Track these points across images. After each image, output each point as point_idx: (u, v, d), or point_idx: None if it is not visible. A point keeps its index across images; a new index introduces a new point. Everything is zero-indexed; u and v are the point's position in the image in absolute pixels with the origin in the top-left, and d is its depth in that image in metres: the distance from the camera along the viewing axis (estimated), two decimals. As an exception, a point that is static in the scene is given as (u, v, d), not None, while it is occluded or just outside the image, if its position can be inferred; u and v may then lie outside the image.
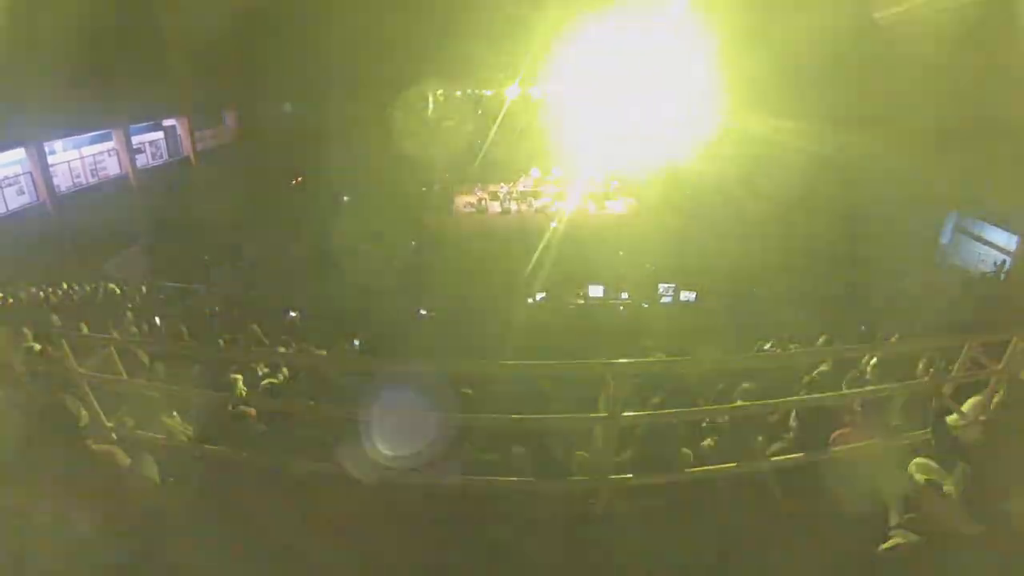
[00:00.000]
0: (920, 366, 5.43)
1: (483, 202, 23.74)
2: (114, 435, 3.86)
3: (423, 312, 11.14)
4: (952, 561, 2.85)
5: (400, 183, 23.40)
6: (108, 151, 18.22)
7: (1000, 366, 3.93)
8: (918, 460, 3.27)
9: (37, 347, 5.01)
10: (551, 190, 23.92)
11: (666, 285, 14.13)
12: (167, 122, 21.07)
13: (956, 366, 4.26)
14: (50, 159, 15.58)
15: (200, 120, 22.57)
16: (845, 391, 4.56)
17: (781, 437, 4.04)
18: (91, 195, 17.09)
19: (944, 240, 18.25)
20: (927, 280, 14.53)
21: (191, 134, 21.38)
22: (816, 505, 3.46)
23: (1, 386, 4.46)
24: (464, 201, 24.53)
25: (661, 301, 13.52)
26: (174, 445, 3.87)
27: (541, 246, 17.42)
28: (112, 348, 4.30)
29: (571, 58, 20.60)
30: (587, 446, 3.80)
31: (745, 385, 4.67)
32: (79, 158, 17.16)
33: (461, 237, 19.30)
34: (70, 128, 16.45)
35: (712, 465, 3.58)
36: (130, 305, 10.45)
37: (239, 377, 4.73)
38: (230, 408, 4.18)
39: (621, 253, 17.40)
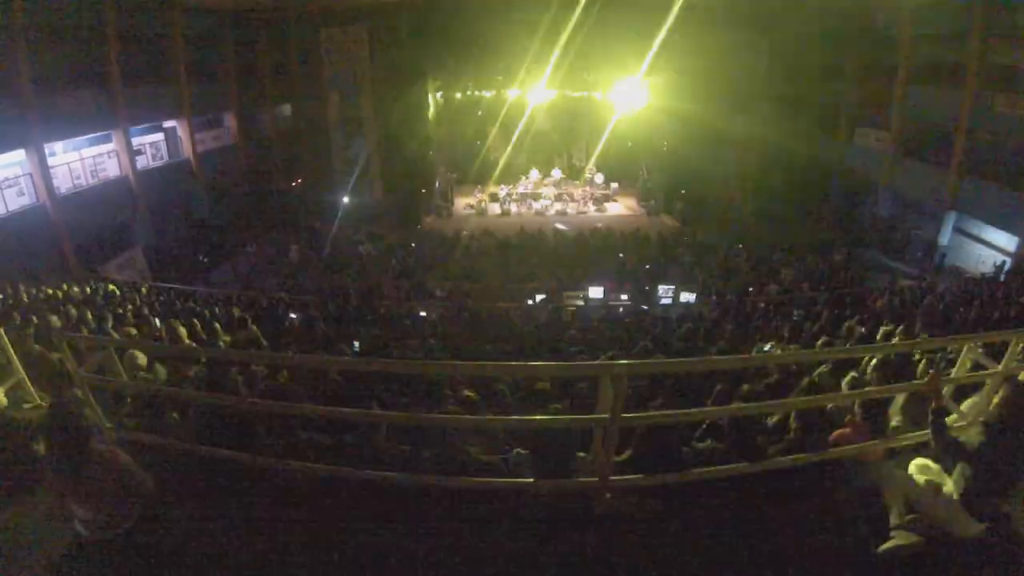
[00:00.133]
0: (920, 366, 5.44)
1: (483, 203, 23.79)
2: (115, 435, 3.87)
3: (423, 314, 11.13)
4: (952, 562, 2.85)
5: (400, 183, 23.47)
6: (108, 153, 18.23)
7: (1000, 366, 3.93)
8: (918, 461, 3.26)
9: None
10: (550, 191, 23.99)
11: (665, 287, 14.14)
12: (167, 123, 21.08)
13: (956, 367, 4.26)
14: (50, 160, 15.58)
15: (200, 121, 22.60)
16: (845, 392, 4.55)
17: (781, 438, 4.04)
18: (91, 196, 17.08)
19: (943, 241, 18.30)
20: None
21: (191, 135, 21.39)
22: (816, 506, 3.46)
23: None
24: (464, 202, 24.59)
25: (660, 303, 13.53)
26: (175, 445, 3.86)
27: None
28: (112, 349, 4.30)
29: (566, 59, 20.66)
30: (587, 446, 3.80)
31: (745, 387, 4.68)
32: (79, 159, 17.17)
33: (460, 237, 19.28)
34: (70, 129, 16.46)
35: (712, 466, 3.58)
36: (130, 306, 10.45)
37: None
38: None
39: (621, 255, 17.44)
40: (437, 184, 23.83)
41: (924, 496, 3.01)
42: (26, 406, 4.29)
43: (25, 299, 10.29)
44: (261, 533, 3.29)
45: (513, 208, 23.58)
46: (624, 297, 13.95)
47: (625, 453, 3.65)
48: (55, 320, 8.49)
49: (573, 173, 26.17)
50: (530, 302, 13.43)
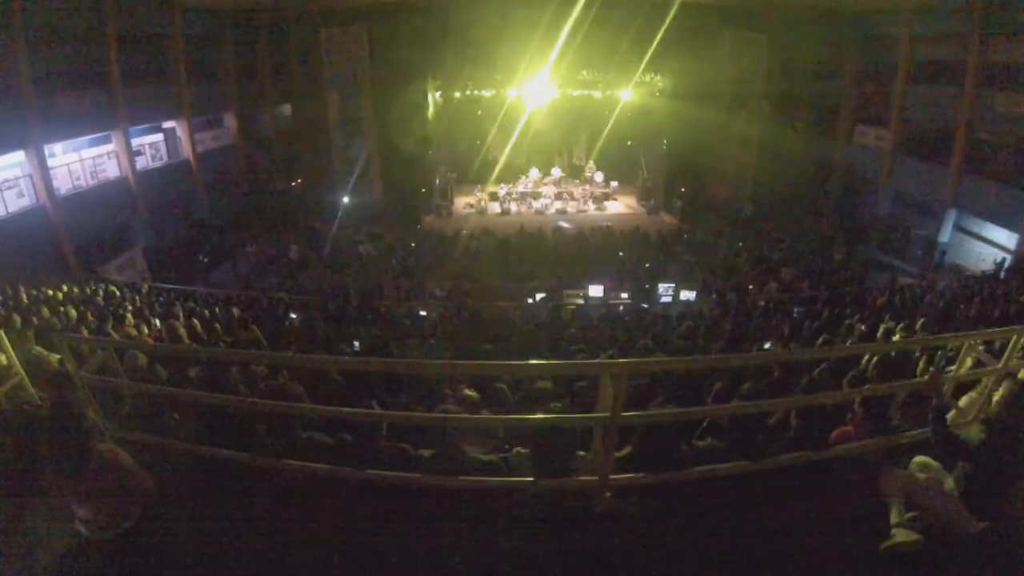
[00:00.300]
0: (920, 364, 5.44)
1: (483, 202, 23.79)
2: (115, 435, 3.87)
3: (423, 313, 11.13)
4: (953, 559, 2.85)
5: (400, 183, 23.47)
6: (108, 153, 18.22)
7: (1001, 364, 3.93)
8: (918, 458, 3.27)
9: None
10: (550, 190, 23.99)
11: (665, 285, 14.13)
12: (167, 124, 21.08)
13: (956, 365, 4.26)
14: (50, 162, 15.58)
15: (200, 122, 22.59)
16: (846, 390, 4.55)
17: (782, 436, 4.04)
18: (91, 197, 17.09)
19: (944, 239, 18.30)
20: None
21: (191, 136, 21.38)
22: (816, 504, 3.46)
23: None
24: (464, 201, 24.58)
25: (660, 301, 13.52)
26: (175, 445, 3.87)
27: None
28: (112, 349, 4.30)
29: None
30: (587, 445, 3.80)
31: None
32: (79, 160, 17.17)
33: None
34: (70, 130, 16.46)
35: (712, 464, 3.58)
36: (130, 307, 10.46)
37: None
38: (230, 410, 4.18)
39: (621, 253, 17.44)
40: (437, 183, 23.82)
41: (925, 494, 3.01)
42: (27, 407, 4.29)
43: (25, 300, 10.29)
44: (261, 533, 3.29)
45: (513, 207, 23.57)
46: (624, 296, 13.95)
47: (625, 449, 3.66)
48: (55, 321, 8.50)
49: (573, 172, 26.16)
50: (530, 301, 13.42)
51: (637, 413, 3.67)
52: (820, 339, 7.33)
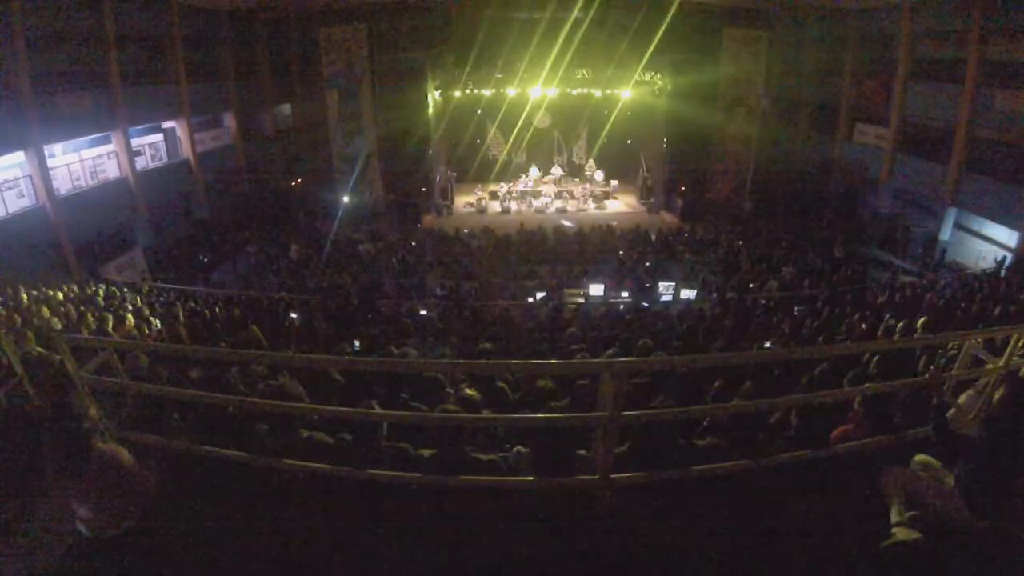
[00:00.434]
0: (921, 363, 5.44)
1: (483, 201, 23.80)
2: (115, 435, 3.87)
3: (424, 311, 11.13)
4: (954, 558, 2.85)
5: (400, 182, 23.48)
6: (108, 154, 18.22)
7: (1001, 362, 3.92)
8: (919, 456, 3.27)
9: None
10: (550, 189, 24.00)
11: (666, 284, 14.14)
12: (167, 124, 21.07)
13: (957, 364, 4.26)
14: (50, 162, 15.58)
15: (200, 122, 22.59)
16: (846, 389, 4.55)
17: (782, 435, 4.04)
18: (91, 197, 17.09)
19: (944, 237, 18.29)
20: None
21: (191, 136, 21.38)
22: (817, 503, 3.46)
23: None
24: (464, 200, 24.59)
25: (661, 300, 13.52)
26: (176, 445, 3.87)
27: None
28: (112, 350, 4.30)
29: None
30: (588, 445, 3.80)
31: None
32: (79, 161, 17.17)
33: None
34: (70, 131, 16.46)
35: (713, 464, 3.57)
36: (131, 307, 10.46)
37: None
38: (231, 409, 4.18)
39: (621, 252, 17.44)
40: (437, 182, 23.83)
41: (925, 492, 3.01)
42: (27, 407, 4.29)
43: (25, 300, 10.30)
44: (261, 533, 3.29)
45: (513, 206, 23.59)
46: (624, 294, 13.95)
47: (624, 446, 3.65)
48: (56, 321, 8.51)
49: (573, 171, 26.18)
50: (530, 300, 13.43)
51: (637, 412, 3.67)
52: (820, 338, 7.34)
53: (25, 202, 14.97)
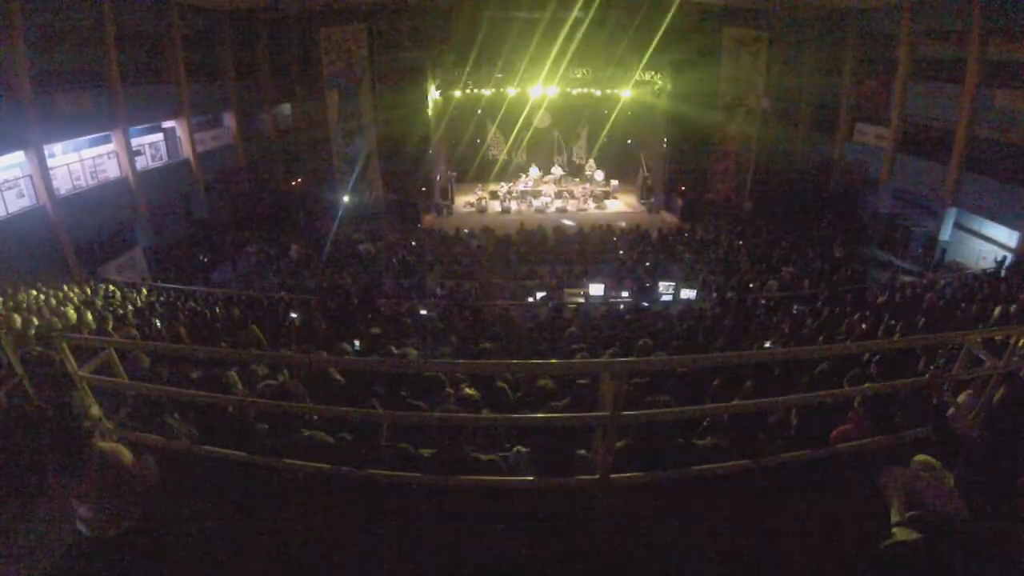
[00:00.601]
0: (920, 362, 5.44)
1: (483, 201, 23.80)
2: (116, 435, 3.87)
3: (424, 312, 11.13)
4: (954, 558, 2.85)
5: (400, 182, 23.49)
6: (108, 153, 18.23)
7: (1001, 363, 3.92)
8: (919, 457, 3.26)
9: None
10: (551, 189, 24.00)
11: (666, 283, 14.14)
12: (167, 124, 21.08)
13: (956, 365, 4.26)
14: (49, 162, 15.58)
15: (200, 121, 22.59)
16: (846, 388, 4.55)
17: (781, 435, 4.04)
18: (91, 197, 17.09)
19: (944, 237, 18.29)
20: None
21: (191, 136, 21.38)
22: (817, 503, 3.46)
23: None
24: (464, 200, 24.60)
25: (661, 300, 13.53)
26: (176, 445, 3.87)
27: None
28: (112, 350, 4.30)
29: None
30: (588, 444, 3.79)
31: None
32: (79, 161, 17.17)
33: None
34: (70, 130, 16.46)
35: (713, 464, 3.57)
36: (131, 307, 10.47)
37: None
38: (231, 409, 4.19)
39: (621, 252, 17.44)
40: (437, 182, 23.83)
41: (925, 492, 3.00)
42: (27, 407, 4.29)
43: (25, 300, 10.30)
44: (261, 533, 3.29)
45: (513, 206, 23.59)
46: (625, 294, 13.96)
47: (622, 441, 3.65)
48: (56, 321, 8.51)
49: (573, 170, 26.19)
50: (530, 300, 13.43)
51: (637, 412, 3.67)
52: (820, 337, 7.34)
53: (25, 202, 14.97)
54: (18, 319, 8.34)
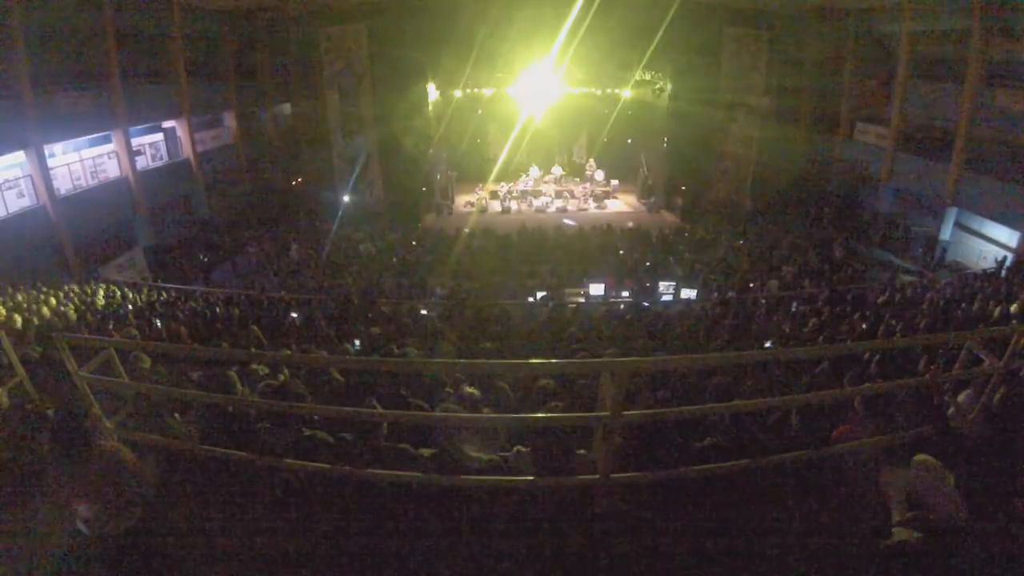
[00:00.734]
0: (921, 362, 5.43)
1: (483, 201, 23.79)
2: (117, 435, 3.87)
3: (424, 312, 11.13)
4: (955, 557, 2.84)
5: (400, 182, 23.48)
6: (108, 153, 18.23)
7: (1001, 362, 3.92)
8: (919, 456, 3.26)
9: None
10: (551, 188, 23.99)
11: (666, 283, 14.13)
12: (167, 124, 21.08)
13: (957, 365, 4.25)
14: (50, 162, 15.58)
15: (200, 121, 22.59)
16: (846, 388, 4.55)
17: (782, 435, 4.04)
18: (91, 197, 17.09)
19: (944, 237, 18.28)
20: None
21: (191, 135, 21.38)
22: (817, 502, 3.46)
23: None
24: (464, 200, 24.58)
25: (661, 300, 13.52)
26: (176, 445, 3.87)
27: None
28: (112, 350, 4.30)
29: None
30: (588, 444, 3.79)
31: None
32: (79, 160, 17.17)
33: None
34: (70, 130, 16.46)
35: (713, 464, 3.57)
36: (131, 307, 10.47)
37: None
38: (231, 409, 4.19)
39: (621, 252, 17.44)
40: (437, 182, 23.83)
41: (926, 492, 3.00)
42: (28, 407, 4.29)
43: (26, 301, 10.30)
44: (261, 533, 3.29)
45: (513, 206, 23.58)
46: (625, 294, 13.95)
47: (624, 444, 3.65)
48: (56, 321, 8.51)
49: (573, 170, 26.17)
50: (531, 299, 13.42)
51: (638, 412, 3.67)
52: (821, 337, 7.33)
53: (25, 202, 14.98)
54: (19, 319, 8.35)
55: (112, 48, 17.28)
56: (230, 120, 24.29)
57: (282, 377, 5.04)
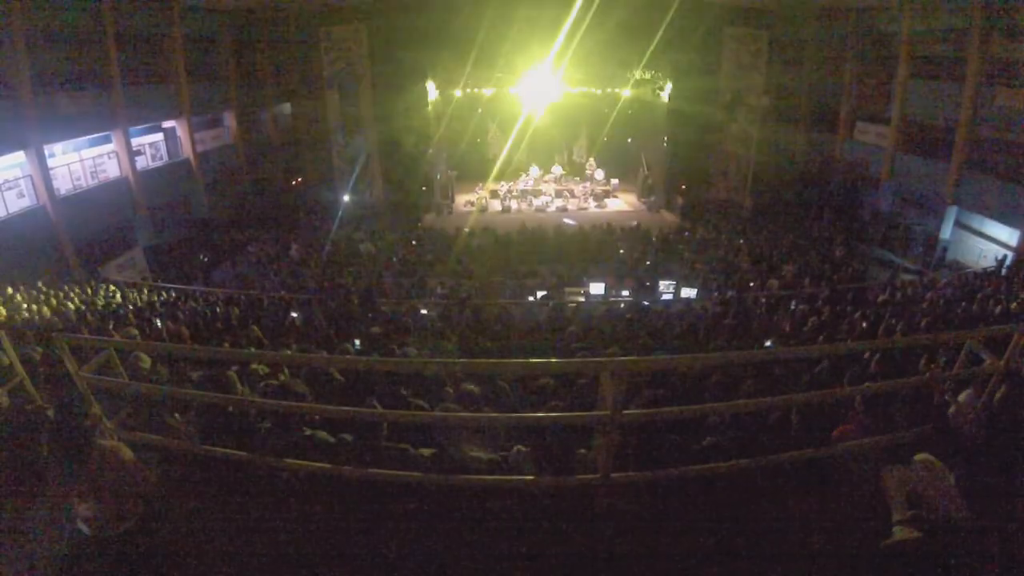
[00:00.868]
0: (921, 361, 5.43)
1: (483, 200, 23.79)
2: (117, 435, 3.87)
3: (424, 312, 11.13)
4: (955, 556, 2.84)
5: (400, 181, 23.51)
6: (108, 153, 18.23)
7: (1002, 362, 3.91)
8: (920, 455, 3.26)
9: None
10: (551, 188, 23.99)
11: (666, 282, 14.13)
12: (167, 124, 21.08)
13: (957, 364, 4.25)
14: (50, 162, 15.59)
15: (200, 121, 22.59)
16: (847, 388, 4.55)
17: (782, 434, 4.04)
18: (91, 197, 17.10)
19: (945, 236, 18.27)
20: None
21: (191, 135, 21.38)
22: (818, 502, 3.46)
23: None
24: (464, 199, 24.58)
25: (661, 299, 13.52)
26: (176, 445, 3.87)
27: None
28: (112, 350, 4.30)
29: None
30: (587, 444, 3.79)
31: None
32: (79, 161, 17.18)
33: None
34: (69, 130, 16.46)
35: (713, 463, 3.57)
36: (131, 307, 10.47)
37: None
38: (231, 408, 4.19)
39: (622, 251, 17.44)
40: (437, 181, 23.83)
41: (926, 491, 3.00)
42: (28, 407, 4.30)
43: (26, 301, 10.30)
44: (261, 533, 3.29)
45: (513, 205, 23.58)
46: (625, 293, 13.95)
47: (625, 443, 3.65)
48: (56, 321, 8.52)
49: (573, 169, 26.18)
50: (531, 299, 13.42)
51: (638, 411, 3.67)
52: (821, 337, 7.33)
53: (25, 202, 14.98)
54: (19, 319, 8.35)
55: (112, 48, 17.28)
56: (230, 120, 24.29)
57: (282, 377, 5.05)
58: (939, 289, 11.99)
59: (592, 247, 18.00)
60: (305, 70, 25.06)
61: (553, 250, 17.81)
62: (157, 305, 11.04)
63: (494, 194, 24.21)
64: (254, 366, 5.38)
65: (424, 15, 21.79)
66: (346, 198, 23.06)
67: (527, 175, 24.79)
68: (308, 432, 3.97)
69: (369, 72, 22.33)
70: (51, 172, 15.53)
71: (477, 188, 24.39)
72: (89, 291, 12.16)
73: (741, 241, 18.51)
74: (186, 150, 21.51)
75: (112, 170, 18.32)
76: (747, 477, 3.56)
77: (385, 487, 3.50)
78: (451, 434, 3.76)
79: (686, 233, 19.70)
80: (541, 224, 19.84)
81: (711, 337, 7.57)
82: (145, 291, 13.34)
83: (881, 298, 10.89)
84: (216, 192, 23.00)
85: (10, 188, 14.62)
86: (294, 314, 10.08)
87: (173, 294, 13.04)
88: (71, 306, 10.01)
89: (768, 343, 7.54)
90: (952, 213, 18.05)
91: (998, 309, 8.50)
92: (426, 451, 3.70)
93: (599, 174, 24.89)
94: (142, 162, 19.47)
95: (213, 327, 8.51)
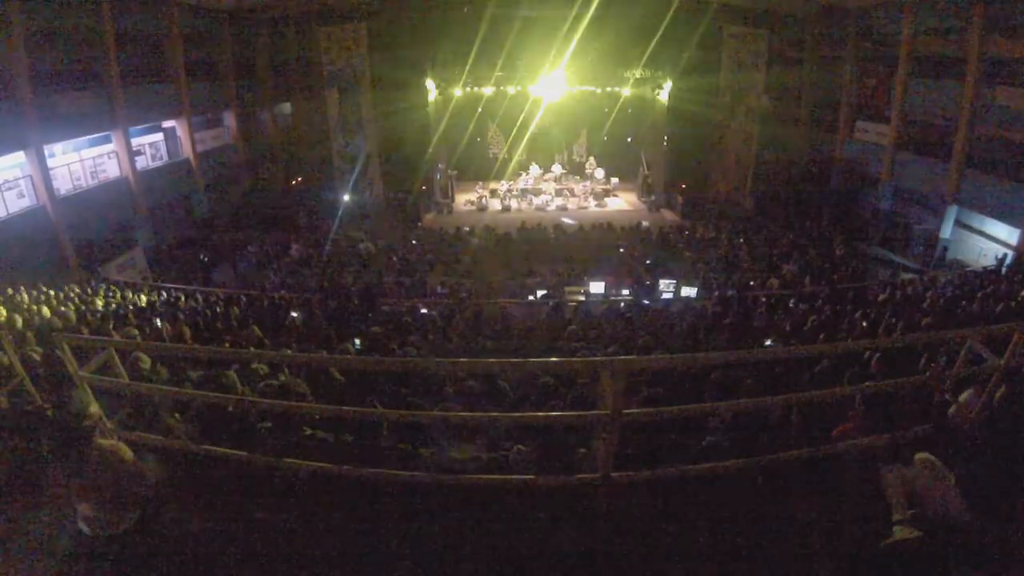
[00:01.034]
0: (922, 361, 5.43)
1: (483, 199, 23.79)
2: (117, 435, 3.87)
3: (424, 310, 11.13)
4: (955, 556, 2.84)
5: (400, 181, 23.51)
6: (108, 153, 18.23)
7: (1002, 361, 3.91)
8: (920, 455, 3.26)
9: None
10: (551, 187, 23.99)
11: (666, 281, 14.12)
12: (167, 124, 21.08)
13: (957, 363, 4.25)
14: (50, 162, 15.58)
15: (200, 121, 22.59)
16: (847, 387, 4.54)
17: (782, 433, 4.03)
18: (91, 197, 17.10)
19: (945, 235, 18.26)
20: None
21: (191, 135, 21.38)
22: (817, 502, 3.46)
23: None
24: (464, 199, 24.59)
25: (661, 298, 13.51)
26: (176, 445, 3.87)
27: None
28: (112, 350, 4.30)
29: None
30: (588, 443, 3.79)
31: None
32: (79, 161, 17.18)
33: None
34: (69, 130, 16.46)
35: (713, 462, 3.57)
36: (131, 307, 10.47)
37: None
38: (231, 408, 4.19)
39: (622, 250, 17.44)
40: (437, 180, 23.83)
41: (926, 491, 3.00)
42: (28, 407, 4.30)
43: (26, 301, 10.30)
44: (261, 533, 3.29)
45: (513, 204, 23.58)
46: (625, 292, 13.94)
47: (625, 443, 3.65)
48: (56, 321, 8.51)
49: (573, 168, 26.17)
50: (531, 298, 13.42)
51: (638, 411, 3.67)
52: (821, 336, 7.32)
53: (25, 202, 14.98)
54: (18, 319, 8.35)
55: (112, 48, 17.27)
56: (230, 120, 24.29)
57: (282, 377, 5.05)
58: (939, 288, 11.98)
59: (592, 246, 18.00)
60: (305, 70, 25.07)
61: (553, 249, 17.81)
62: (157, 305, 11.04)
63: (494, 193, 24.21)
64: (254, 366, 5.38)
65: (424, 14, 21.80)
66: (346, 198, 23.04)
67: (527, 174, 24.78)
68: (308, 432, 3.97)
69: (369, 72, 22.31)
70: (51, 172, 15.52)
71: (477, 187, 24.38)
72: (89, 291, 12.15)
73: (741, 240, 18.51)
74: (186, 150, 21.50)
75: (112, 170, 18.31)
76: (747, 477, 3.56)
77: (385, 487, 3.50)
78: (451, 434, 3.77)
79: (686, 232, 19.71)
80: (541, 223, 19.84)
81: (711, 336, 7.57)
82: (145, 291, 13.33)
83: (881, 297, 10.88)
84: (216, 192, 23.00)
85: (10, 188, 14.62)
86: (294, 314, 10.07)
87: (173, 294, 13.03)
88: (71, 306, 10.01)
89: (768, 342, 7.54)
90: (952, 212, 18.04)
91: (998, 308, 8.49)
92: (426, 451, 3.70)
93: (599, 173, 24.88)
94: (142, 162, 19.46)
95: (213, 327, 8.50)
